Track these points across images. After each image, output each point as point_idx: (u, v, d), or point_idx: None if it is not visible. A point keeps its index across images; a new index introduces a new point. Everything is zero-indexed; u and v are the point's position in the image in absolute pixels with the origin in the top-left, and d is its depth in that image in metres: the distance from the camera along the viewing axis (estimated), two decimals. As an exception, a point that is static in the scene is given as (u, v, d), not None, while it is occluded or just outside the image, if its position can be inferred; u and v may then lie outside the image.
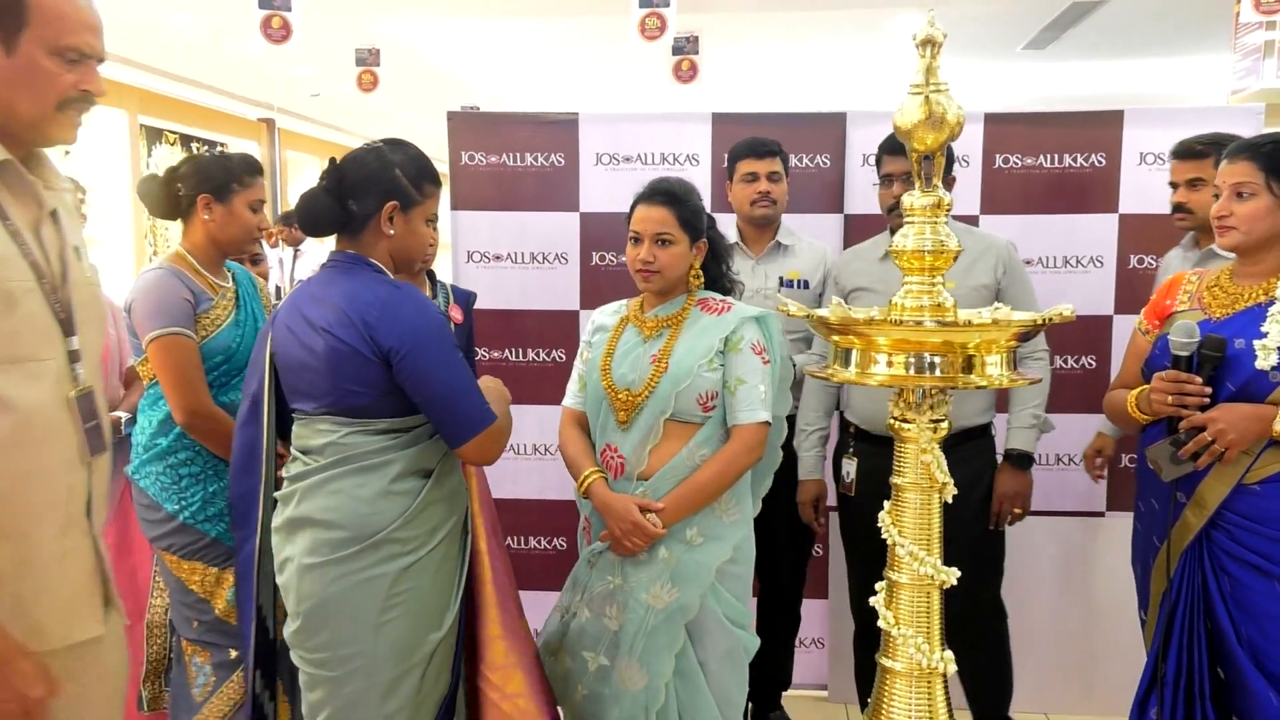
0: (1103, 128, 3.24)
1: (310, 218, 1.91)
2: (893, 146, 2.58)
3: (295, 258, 7.17)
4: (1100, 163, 3.25)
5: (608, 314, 2.30)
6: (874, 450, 2.58)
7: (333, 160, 1.93)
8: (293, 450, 1.93)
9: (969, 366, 1.53)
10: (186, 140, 8.60)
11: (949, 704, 1.66)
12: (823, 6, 5.45)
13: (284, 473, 1.94)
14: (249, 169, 2.35)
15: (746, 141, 2.95)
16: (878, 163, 2.71)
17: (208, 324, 2.26)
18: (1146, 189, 3.17)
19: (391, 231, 1.88)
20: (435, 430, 1.87)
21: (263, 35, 3.88)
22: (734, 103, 3.35)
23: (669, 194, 2.13)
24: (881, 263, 2.66)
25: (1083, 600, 3.25)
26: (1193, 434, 1.83)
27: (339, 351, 1.79)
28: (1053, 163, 3.27)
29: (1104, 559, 3.19)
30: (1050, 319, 1.49)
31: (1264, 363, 1.79)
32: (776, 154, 2.93)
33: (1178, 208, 2.67)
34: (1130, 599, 2.96)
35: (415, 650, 1.87)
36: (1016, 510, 2.63)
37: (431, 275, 2.93)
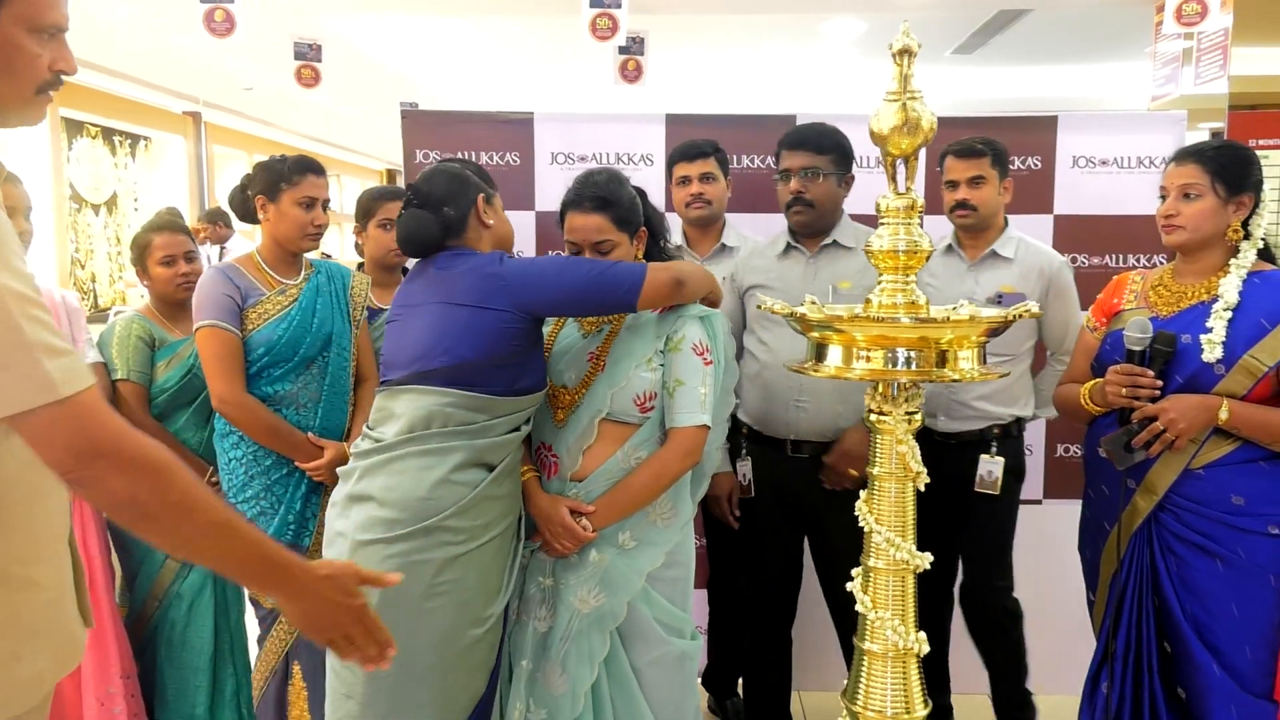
0: (1038, 132, 3.39)
1: (415, 236, 2.01)
2: (792, 141, 2.57)
3: (221, 255, 6.98)
4: (1036, 165, 3.39)
5: None
6: (767, 454, 2.63)
7: (408, 186, 2.11)
8: (364, 428, 2.01)
9: (942, 361, 1.60)
10: (109, 133, 8.31)
11: (924, 683, 1.74)
12: (759, 10, 5.55)
13: (351, 450, 2.01)
14: (299, 167, 2.43)
15: (680, 145, 2.97)
16: (776, 158, 2.67)
17: (254, 318, 2.38)
18: (1080, 191, 3.33)
19: (491, 221, 2.05)
20: (508, 427, 1.95)
21: (206, 29, 3.80)
22: (684, 104, 3.40)
23: (599, 198, 2.05)
24: (780, 260, 2.65)
25: (1026, 583, 3.39)
26: (1145, 424, 1.95)
27: (468, 313, 1.91)
28: (992, 165, 3.40)
29: (1044, 544, 3.33)
30: (1019, 315, 1.57)
31: (1210, 355, 1.92)
32: (709, 155, 2.92)
33: (961, 205, 2.65)
34: (1071, 580, 3.13)
35: (454, 643, 1.89)
36: (854, 472, 2.52)
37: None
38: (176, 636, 2.59)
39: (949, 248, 2.77)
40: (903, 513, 1.70)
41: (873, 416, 1.70)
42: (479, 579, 1.91)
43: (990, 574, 2.75)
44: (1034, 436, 3.33)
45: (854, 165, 2.69)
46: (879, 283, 1.69)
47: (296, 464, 2.36)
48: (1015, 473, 2.75)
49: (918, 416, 1.69)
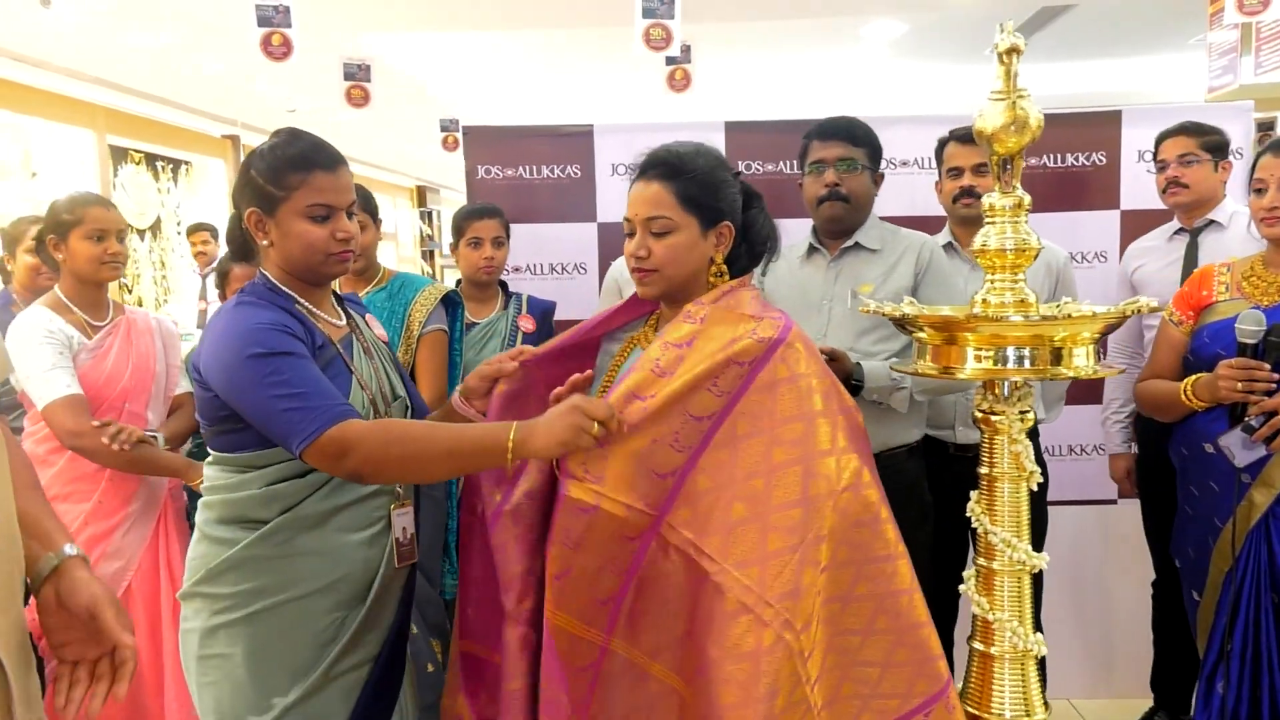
0: (1102, 127, 3.36)
1: (230, 244, 1.78)
2: (825, 132, 2.41)
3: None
4: (1100, 161, 3.37)
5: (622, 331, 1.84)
6: None
7: None
8: None
9: (1057, 358, 1.59)
10: (151, 159, 8.44)
11: (1042, 685, 1.72)
12: (804, 14, 5.56)
13: None
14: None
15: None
16: (803, 154, 2.49)
17: None
18: (1147, 185, 3.29)
19: (265, 241, 1.65)
20: (272, 479, 1.60)
21: (263, 53, 3.85)
22: (733, 112, 3.43)
23: (664, 164, 1.62)
24: (802, 265, 2.46)
25: (1099, 586, 3.35)
26: (1263, 419, 1.92)
27: (196, 384, 1.67)
28: (1056, 161, 3.38)
29: (1118, 545, 3.29)
30: (1139, 309, 1.56)
31: (1324, 344, 1.89)
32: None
33: (968, 192, 2.59)
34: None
35: None
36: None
37: (504, 285, 3.01)
38: None
39: (947, 245, 2.69)
40: (1018, 513, 1.68)
41: (984, 416, 1.68)
42: (254, 656, 1.58)
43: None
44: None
45: (884, 164, 2.53)
46: (989, 281, 1.67)
47: None
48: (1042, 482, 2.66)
49: (1030, 415, 1.67)
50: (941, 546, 2.54)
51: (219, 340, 1.57)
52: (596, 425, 1.45)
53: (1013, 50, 1.59)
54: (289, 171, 1.60)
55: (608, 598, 1.48)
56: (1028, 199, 1.66)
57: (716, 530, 1.47)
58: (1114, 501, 3.30)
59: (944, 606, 2.68)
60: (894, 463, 2.30)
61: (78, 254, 2.41)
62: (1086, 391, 3.16)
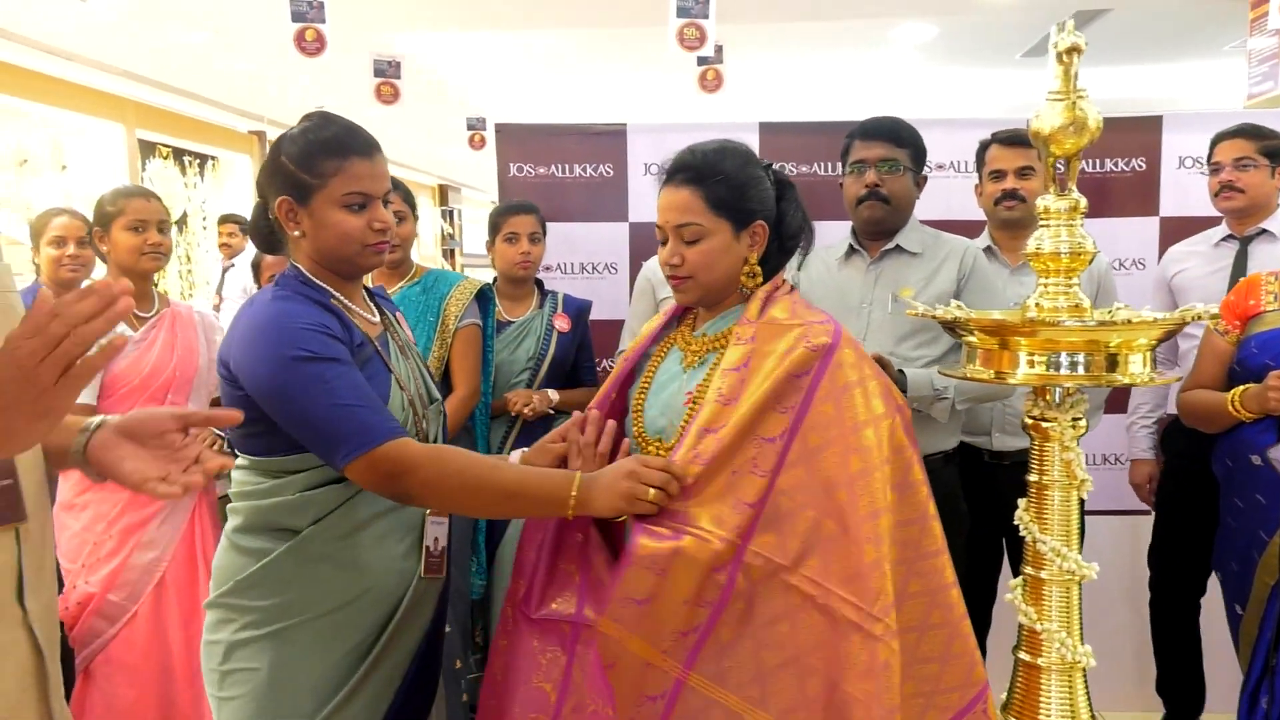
0: (1142, 133, 3.32)
1: (254, 234, 1.70)
2: (868, 132, 2.36)
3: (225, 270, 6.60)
4: (1140, 166, 3.33)
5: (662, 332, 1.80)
6: None
7: None
8: None
9: (1112, 365, 1.56)
10: (179, 154, 8.49)
11: (1089, 698, 1.69)
12: (831, 17, 5.53)
13: None
14: None
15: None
16: (844, 153, 2.45)
17: None
18: (1188, 192, 3.25)
19: (297, 232, 1.56)
20: (307, 484, 1.52)
21: (296, 48, 3.86)
22: (763, 113, 3.43)
23: (690, 168, 1.58)
24: (841, 267, 2.45)
25: (1129, 597, 3.30)
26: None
27: (225, 383, 1.58)
28: (1094, 167, 3.34)
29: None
30: (1199, 316, 1.53)
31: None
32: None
33: (1010, 195, 2.62)
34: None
35: None
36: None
37: (539, 284, 3.00)
38: None
39: (986, 249, 2.67)
40: (1068, 521, 1.66)
41: (1035, 423, 1.65)
42: (279, 673, 1.51)
43: None
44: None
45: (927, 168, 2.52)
46: (1041, 285, 1.65)
47: None
48: None
49: (1083, 422, 1.64)
50: (974, 553, 2.51)
51: (252, 336, 1.49)
52: (653, 491, 1.44)
53: (1073, 50, 1.57)
54: (323, 157, 1.53)
55: (689, 629, 1.43)
56: (1084, 202, 1.64)
57: (810, 551, 1.44)
58: (1147, 512, 3.26)
59: (978, 614, 2.67)
60: (930, 470, 2.25)
61: (119, 245, 2.43)
62: (1117, 400, 3.13)
